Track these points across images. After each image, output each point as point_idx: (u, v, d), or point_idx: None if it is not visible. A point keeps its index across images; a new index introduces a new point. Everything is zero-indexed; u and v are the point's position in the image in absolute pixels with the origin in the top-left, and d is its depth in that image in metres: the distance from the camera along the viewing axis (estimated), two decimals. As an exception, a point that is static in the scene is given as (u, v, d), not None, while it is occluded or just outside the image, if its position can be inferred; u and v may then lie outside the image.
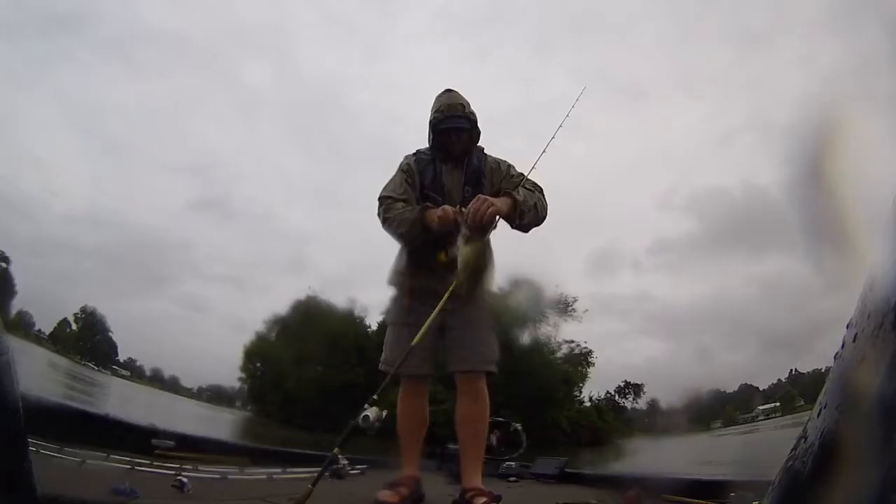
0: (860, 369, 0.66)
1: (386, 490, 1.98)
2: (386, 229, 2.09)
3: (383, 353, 2.16)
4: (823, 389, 0.79)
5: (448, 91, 2.22)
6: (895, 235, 0.61)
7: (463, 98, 2.21)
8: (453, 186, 2.13)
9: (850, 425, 0.65)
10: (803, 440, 0.74)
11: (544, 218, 2.16)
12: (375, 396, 1.77)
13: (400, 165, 2.21)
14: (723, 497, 2.29)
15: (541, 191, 2.17)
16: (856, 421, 0.63)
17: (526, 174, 2.17)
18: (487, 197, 1.93)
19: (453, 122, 2.12)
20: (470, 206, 1.89)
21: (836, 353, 0.75)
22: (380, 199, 2.13)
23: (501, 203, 1.96)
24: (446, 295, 1.92)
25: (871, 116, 0.70)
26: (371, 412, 1.69)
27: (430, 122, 2.16)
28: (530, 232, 2.14)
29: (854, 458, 0.61)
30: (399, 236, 2.10)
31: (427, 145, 2.25)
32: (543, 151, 2.19)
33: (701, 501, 2.42)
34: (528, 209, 2.04)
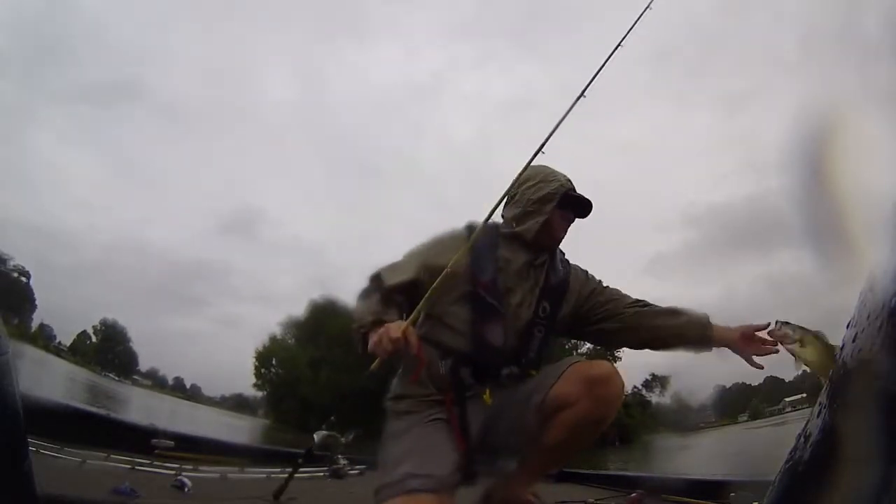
0: (860, 369, 0.66)
1: None
2: None
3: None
4: (823, 389, 0.79)
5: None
6: (895, 235, 0.61)
7: None
8: (523, 294, 1.44)
9: (850, 425, 0.65)
10: (803, 439, 0.75)
11: None
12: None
13: (452, 231, 1.49)
14: (723, 497, 2.29)
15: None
16: (856, 420, 0.63)
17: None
18: None
19: (584, 197, 1.49)
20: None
21: (836, 354, 0.75)
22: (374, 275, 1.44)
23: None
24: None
25: (871, 117, 0.70)
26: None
27: (556, 188, 1.46)
28: None
29: (854, 457, 0.61)
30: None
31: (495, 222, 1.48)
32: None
33: (701, 502, 2.43)
34: None
